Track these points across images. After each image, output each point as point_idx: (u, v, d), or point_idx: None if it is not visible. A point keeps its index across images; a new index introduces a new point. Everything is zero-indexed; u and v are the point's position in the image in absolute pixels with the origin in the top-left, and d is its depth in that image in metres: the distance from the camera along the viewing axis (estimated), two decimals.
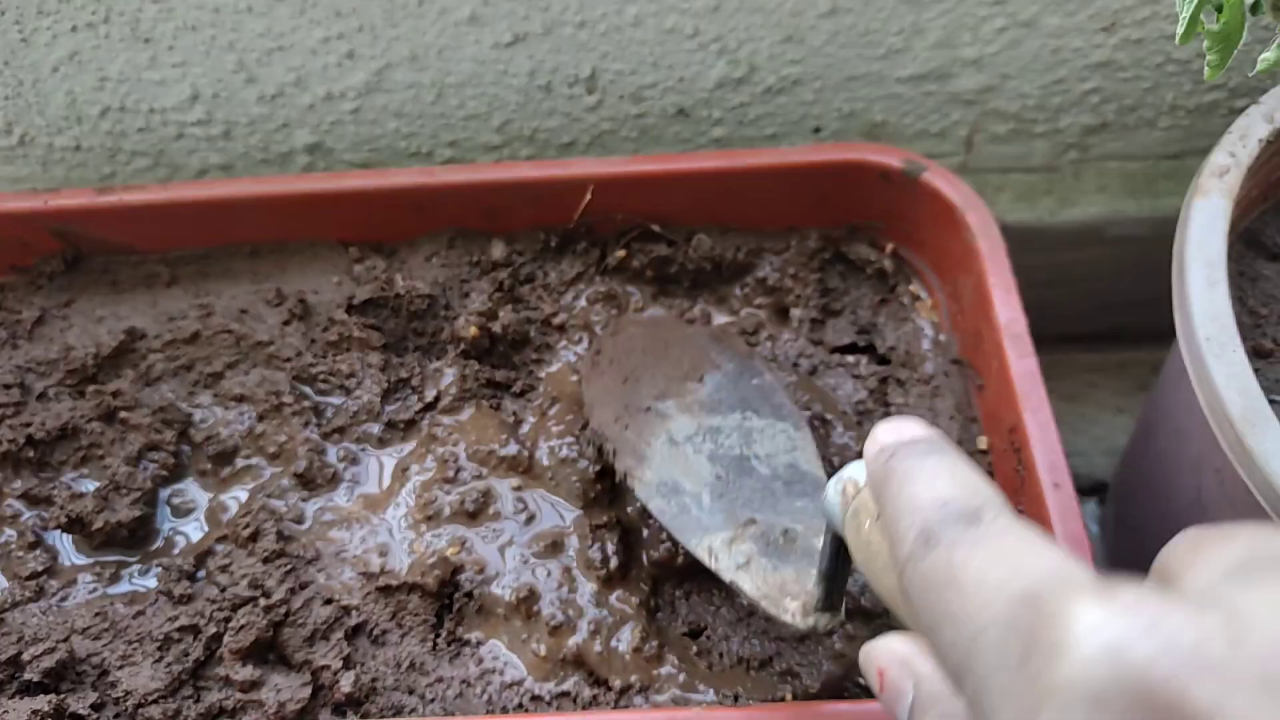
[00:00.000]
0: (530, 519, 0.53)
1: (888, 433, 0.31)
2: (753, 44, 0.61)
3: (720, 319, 0.61)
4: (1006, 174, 0.70)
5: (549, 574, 0.51)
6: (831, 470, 0.45)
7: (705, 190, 0.59)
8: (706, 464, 0.50)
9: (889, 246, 0.61)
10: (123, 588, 0.54)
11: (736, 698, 0.47)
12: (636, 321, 0.59)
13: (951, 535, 0.26)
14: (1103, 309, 0.78)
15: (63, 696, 0.47)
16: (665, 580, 0.51)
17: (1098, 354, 0.84)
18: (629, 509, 0.52)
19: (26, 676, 0.48)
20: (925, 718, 0.30)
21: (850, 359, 0.58)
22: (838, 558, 0.39)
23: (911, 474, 0.29)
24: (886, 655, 0.32)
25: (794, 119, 0.66)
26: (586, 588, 0.50)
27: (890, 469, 0.30)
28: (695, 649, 0.49)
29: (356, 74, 0.63)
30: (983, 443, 0.53)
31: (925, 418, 0.55)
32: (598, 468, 0.52)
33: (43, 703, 0.46)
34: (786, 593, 0.43)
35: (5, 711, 0.45)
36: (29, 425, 0.57)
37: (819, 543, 0.43)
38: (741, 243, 0.61)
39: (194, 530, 0.56)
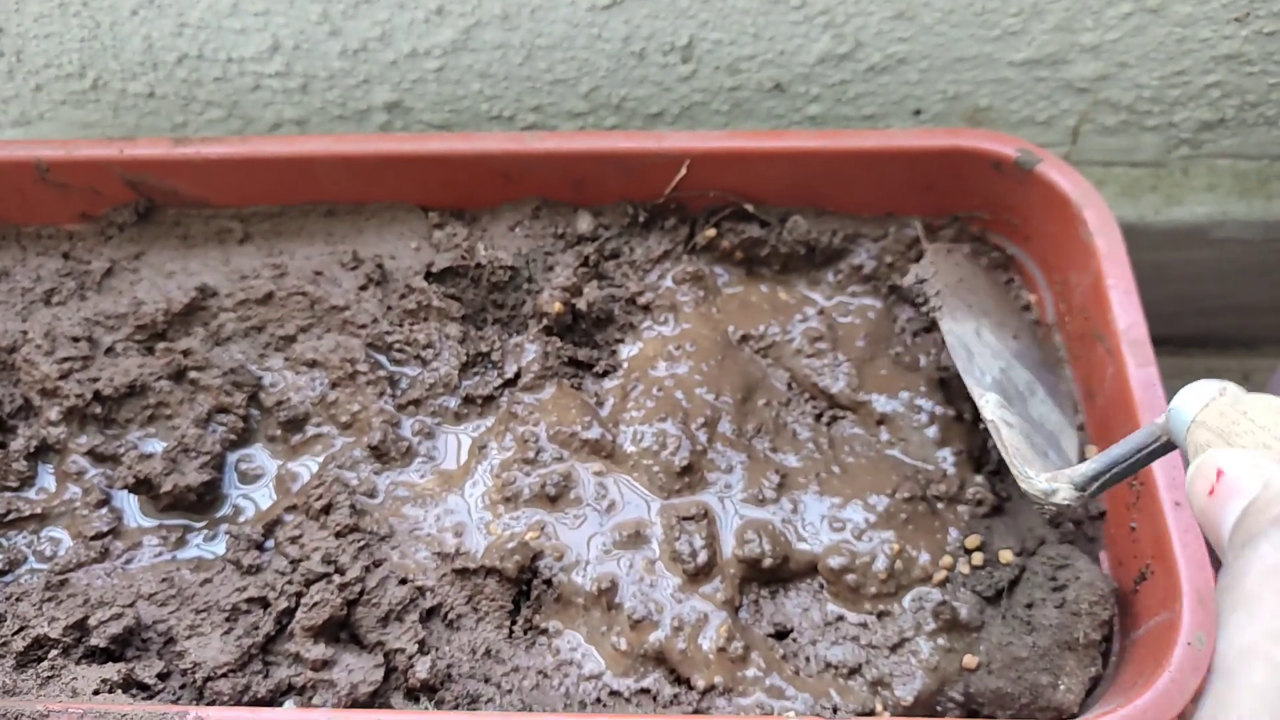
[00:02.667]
0: (611, 506, 0.51)
1: None
2: (861, 19, 0.58)
3: (814, 305, 0.58)
4: (1110, 167, 0.67)
5: (631, 565, 0.49)
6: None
7: (805, 170, 0.57)
8: (995, 367, 0.50)
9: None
10: (189, 553, 0.52)
11: (835, 710, 0.45)
12: (971, 258, 0.58)
13: None
14: (1196, 313, 0.75)
15: (131, 666, 0.45)
16: (752, 579, 0.49)
17: (1183, 359, 0.81)
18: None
19: (93, 642, 0.47)
20: (1270, 510, 0.28)
21: None
22: (1138, 455, 0.37)
23: None
24: (1233, 458, 0.30)
25: (894, 99, 0.63)
26: (670, 581, 0.48)
27: None
28: (781, 652, 0.47)
29: (444, 31, 0.60)
30: (1091, 452, 0.51)
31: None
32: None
33: (112, 671, 0.44)
34: (1030, 464, 0.43)
35: (74, 678, 0.44)
36: (96, 381, 0.55)
37: (1066, 470, 0.41)
38: (837, 227, 0.59)
39: (262, 498, 0.54)
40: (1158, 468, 0.45)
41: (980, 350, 0.51)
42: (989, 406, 0.47)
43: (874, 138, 0.56)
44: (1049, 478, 0.40)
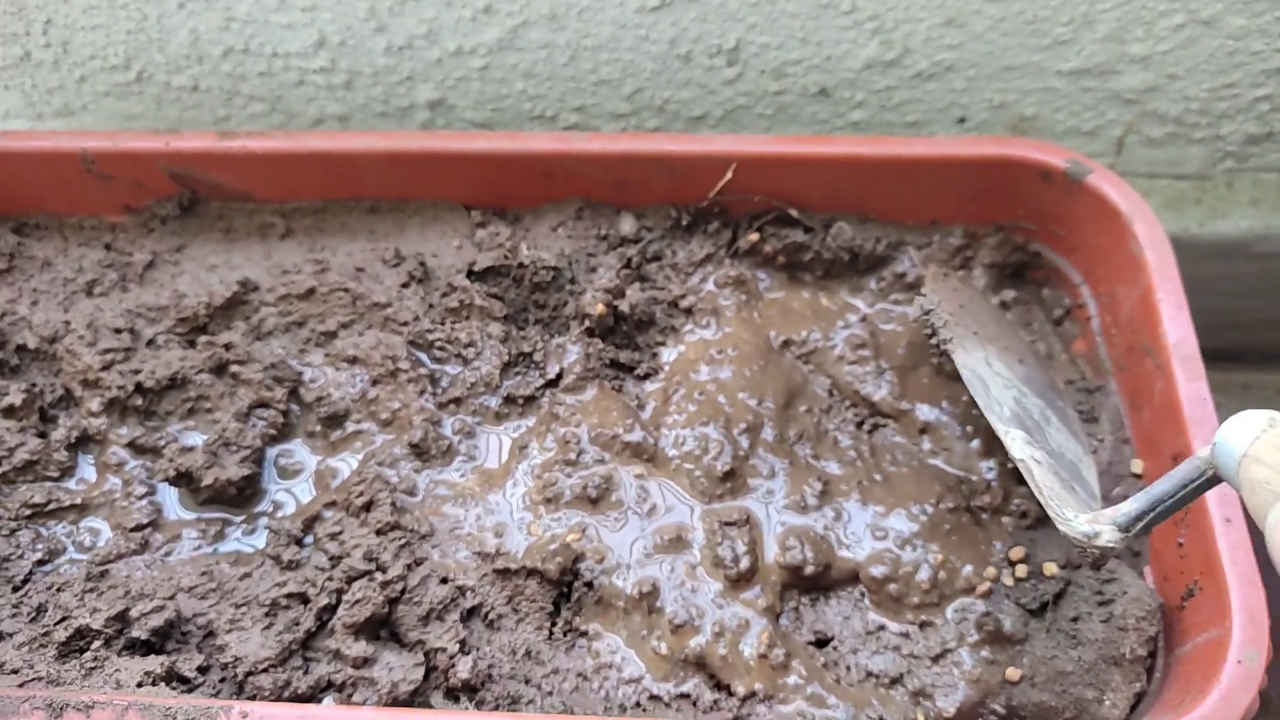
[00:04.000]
0: (653, 510, 0.51)
1: None
2: (910, 25, 0.58)
3: (856, 312, 0.58)
4: (1154, 179, 0.67)
5: (673, 569, 0.49)
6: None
7: (850, 177, 0.56)
8: (1009, 398, 0.49)
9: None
10: (227, 546, 0.52)
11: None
12: (968, 281, 0.57)
13: None
14: (1234, 326, 0.75)
15: (173, 659, 0.45)
16: (793, 586, 0.49)
17: (1218, 373, 0.80)
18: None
19: (134, 634, 0.47)
20: None
21: None
22: (1184, 490, 0.36)
23: None
24: None
25: (940, 106, 0.63)
26: (712, 587, 0.48)
27: None
28: (822, 660, 0.47)
29: (490, 30, 0.60)
30: (1137, 466, 0.50)
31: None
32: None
33: (154, 664, 0.44)
34: (1065, 504, 0.41)
35: (117, 670, 0.44)
36: (138, 372, 0.55)
37: (1107, 510, 0.40)
38: (881, 234, 0.58)
39: (302, 493, 0.54)
40: None
41: (994, 380, 0.50)
42: (1016, 445, 0.45)
43: (921, 145, 0.56)
44: (1089, 519, 0.39)
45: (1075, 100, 0.62)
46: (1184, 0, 0.56)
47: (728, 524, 0.49)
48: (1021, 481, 0.52)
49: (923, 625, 0.47)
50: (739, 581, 0.48)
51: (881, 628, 0.48)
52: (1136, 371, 0.51)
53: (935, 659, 0.47)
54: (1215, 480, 0.36)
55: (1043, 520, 0.51)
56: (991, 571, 0.48)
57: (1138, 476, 0.50)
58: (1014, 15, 0.57)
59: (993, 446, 0.53)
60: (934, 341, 0.50)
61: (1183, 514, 0.46)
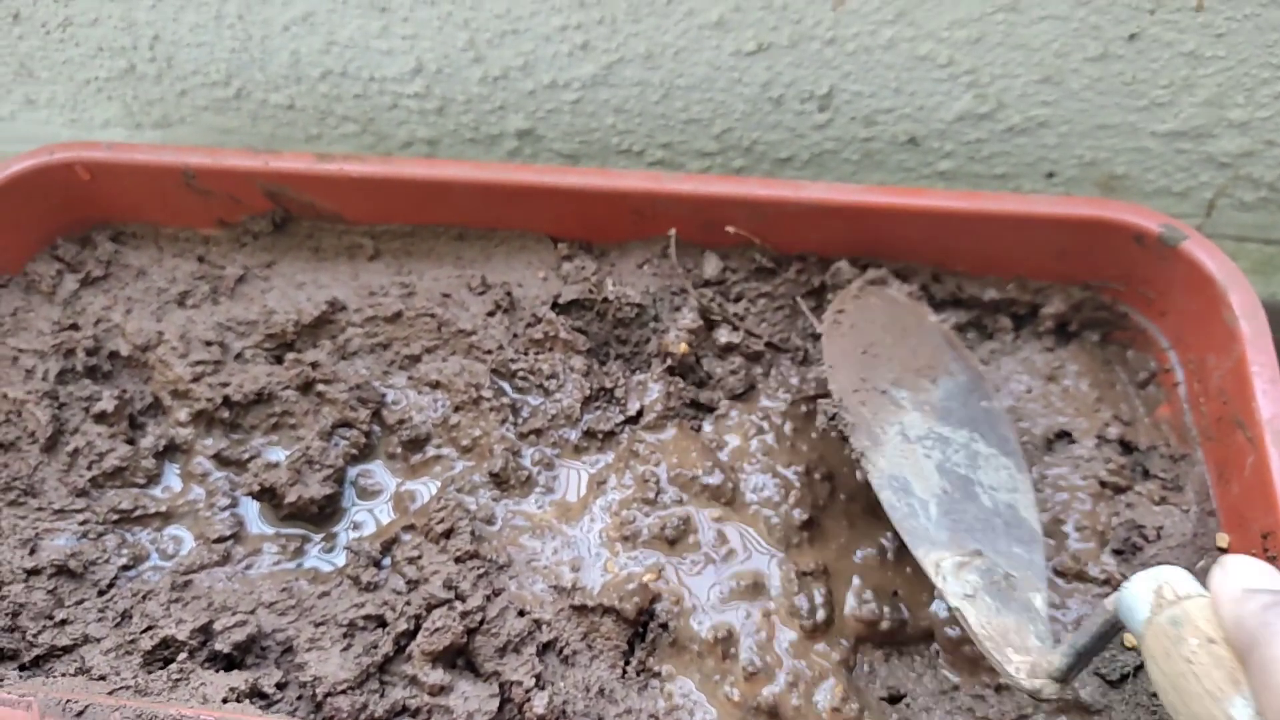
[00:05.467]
0: (730, 554, 0.51)
1: (1250, 573, 0.32)
2: (1006, 80, 0.58)
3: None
4: (1243, 243, 0.66)
5: (748, 616, 0.49)
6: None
7: (937, 229, 0.56)
8: (935, 473, 0.48)
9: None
10: (307, 563, 0.53)
11: None
12: (879, 294, 0.56)
13: None
14: None
15: (256, 676, 0.46)
16: (867, 640, 0.49)
17: None
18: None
19: (217, 646, 0.48)
20: None
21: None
22: (1101, 640, 0.38)
23: None
24: None
25: (1029, 161, 0.62)
26: (787, 636, 0.48)
27: (1269, 622, 0.30)
28: (895, 717, 0.47)
29: (585, 65, 0.61)
30: (1223, 540, 0.50)
31: (1161, 502, 0.51)
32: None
33: (239, 680, 0.45)
34: (1009, 643, 0.42)
35: (202, 684, 0.45)
36: (226, 386, 0.56)
37: (1036, 600, 0.44)
38: (962, 286, 0.58)
39: (381, 514, 0.55)
40: None
41: (912, 461, 0.48)
42: (949, 586, 0.44)
43: (1013, 202, 0.56)
44: (1029, 673, 0.41)
45: (1168, 161, 0.61)
46: None
47: (805, 574, 0.49)
48: (1104, 544, 0.51)
49: (999, 689, 0.47)
50: (814, 632, 0.48)
51: (955, 688, 0.48)
52: (1226, 443, 0.51)
53: (1007, 693, 0.46)
54: (1114, 629, 0.38)
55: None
56: None
57: (1223, 550, 0.50)
58: (1112, 75, 0.57)
59: (1067, 510, 0.52)
60: (854, 453, 0.48)
61: None
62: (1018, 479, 0.50)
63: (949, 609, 0.44)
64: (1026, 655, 0.41)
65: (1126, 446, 0.54)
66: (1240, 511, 0.49)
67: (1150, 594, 0.35)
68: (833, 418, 0.49)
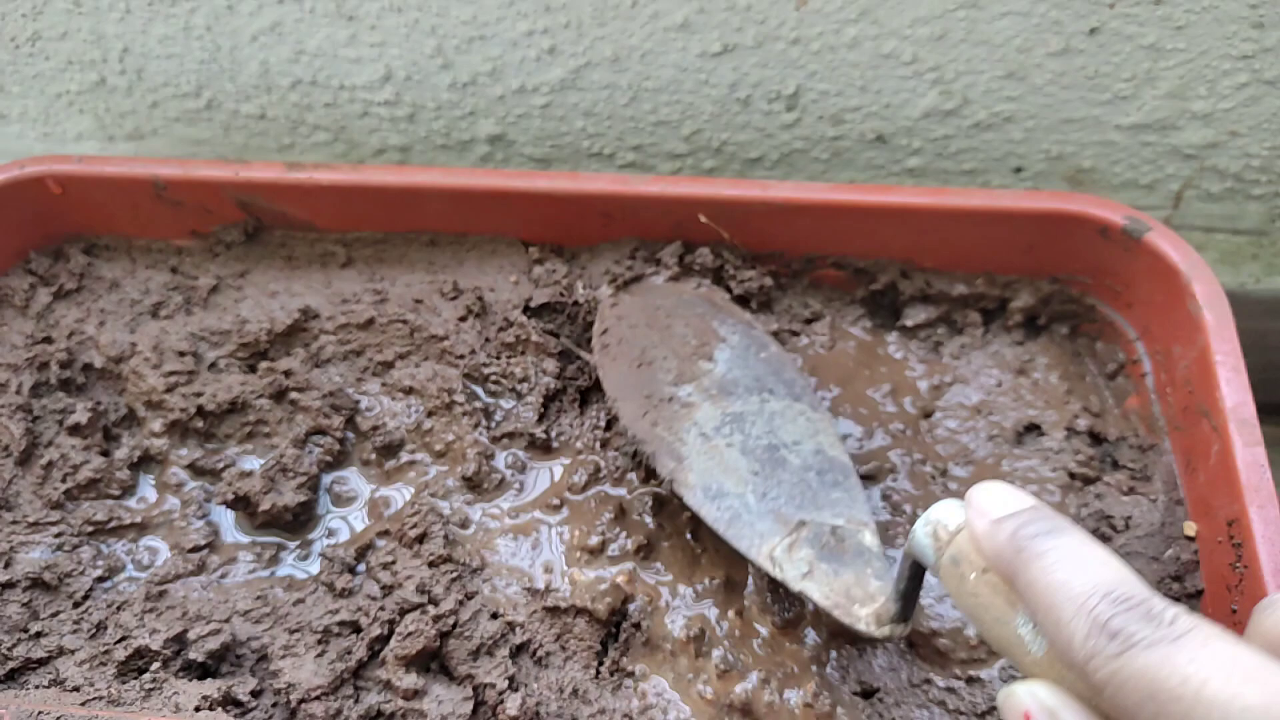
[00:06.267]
0: (703, 552, 0.51)
1: (993, 502, 0.34)
2: (971, 76, 0.58)
3: (901, 351, 0.58)
4: (1211, 234, 0.66)
5: (721, 613, 0.49)
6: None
7: (905, 226, 0.57)
8: (741, 459, 0.49)
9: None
10: (281, 571, 0.53)
11: None
12: (638, 292, 0.56)
13: (1144, 634, 0.28)
14: None
15: (229, 683, 0.46)
16: (840, 635, 0.49)
17: (1272, 427, 0.80)
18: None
19: (191, 656, 0.48)
20: None
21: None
22: (914, 580, 0.40)
23: (1051, 556, 0.31)
24: (1033, 702, 0.32)
25: (996, 156, 0.63)
26: (760, 633, 0.48)
27: (1021, 547, 0.32)
28: (868, 711, 0.47)
29: (554, 70, 0.61)
30: (1190, 529, 0.50)
31: (1130, 492, 0.52)
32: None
33: (211, 689, 0.45)
34: (853, 599, 0.44)
35: (175, 693, 0.45)
36: (200, 395, 0.57)
37: (865, 538, 0.45)
38: (931, 282, 0.59)
39: (355, 520, 0.55)
40: (1263, 549, 0.45)
41: (720, 458, 0.48)
42: (787, 573, 0.45)
43: (979, 197, 0.56)
44: (876, 623, 0.42)
45: (1134, 154, 0.62)
46: (1248, 60, 0.56)
47: None
48: None
49: (970, 680, 0.47)
50: (786, 628, 0.48)
51: (928, 680, 0.48)
52: (1192, 432, 0.51)
53: (982, 715, 0.47)
54: (919, 567, 0.39)
55: None
56: None
57: (1190, 539, 0.50)
58: (1075, 70, 0.57)
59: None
60: (663, 481, 0.49)
61: (1237, 579, 0.46)
62: (815, 419, 0.50)
63: (794, 592, 0.45)
64: (871, 603, 0.43)
65: (1095, 438, 0.55)
66: (1206, 499, 0.49)
67: (929, 539, 0.37)
68: (634, 455, 0.49)
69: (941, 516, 0.37)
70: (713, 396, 0.51)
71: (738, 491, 0.48)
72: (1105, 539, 0.51)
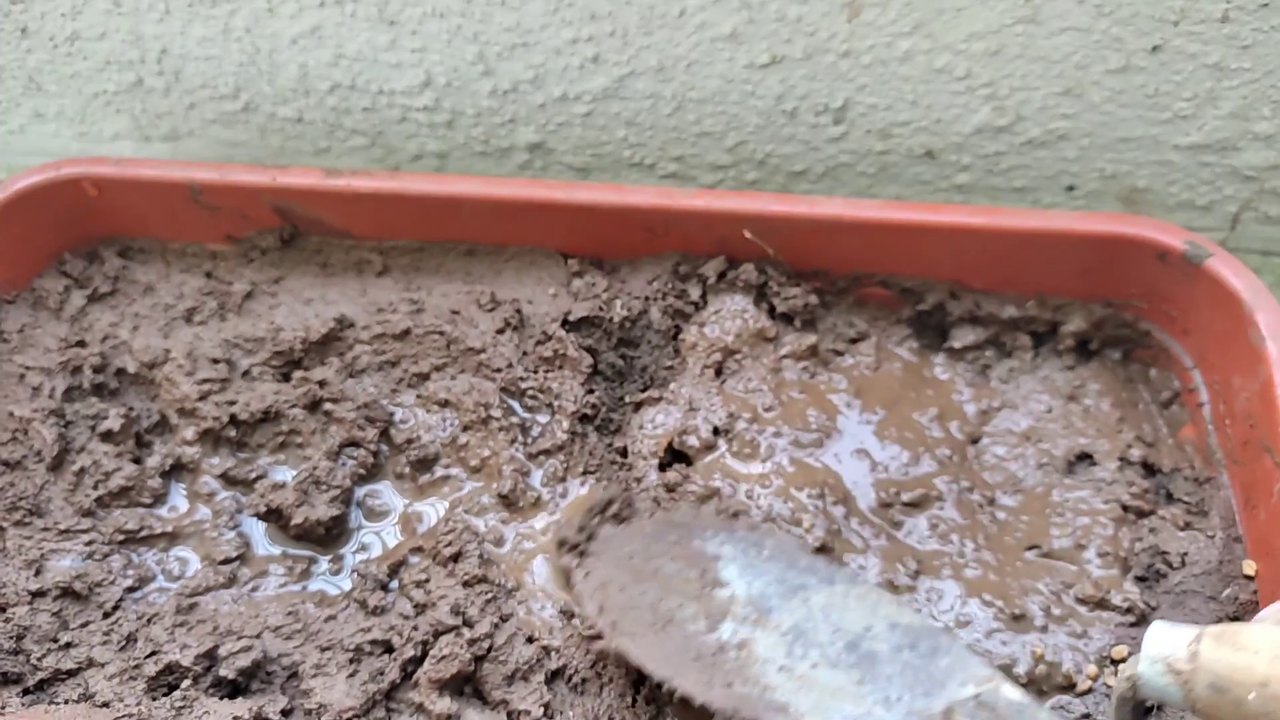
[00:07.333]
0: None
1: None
2: (1026, 93, 0.57)
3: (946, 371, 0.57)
4: (1269, 257, 0.64)
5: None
6: None
7: (955, 246, 0.55)
8: (837, 675, 0.42)
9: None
10: (313, 585, 0.53)
11: None
12: (592, 550, 0.49)
13: None
14: None
15: (261, 703, 0.45)
16: None
17: None
18: None
19: (222, 672, 0.47)
20: None
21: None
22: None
23: None
24: None
25: (1048, 174, 0.61)
26: None
27: None
28: None
29: (597, 78, 0.60)
30: (1249, 568, 0.48)
31: (1186, 527, 0.50)
32: None
33: (242, 709, 0.44)
34: None
35: (205, 712, 0.44)
36: (233, 404, 0.56)
37: (1008, 693, 0.39)
38: (980, 303, 0.57)
39: (388, 536, 0.54)
40: None
41: (816, 687, 0.42)
42: None
43: (1034, 218, 0.54)
44: None
45: (1191, 174, 0.60)
46: None
47: None
48: (1126, 573, 0.50)
49: None
50: None
51: None
52: (1253, 468, 0.50)
53: None
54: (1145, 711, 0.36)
55: (1145, 619, 0.49)
56: (1093, 670, 0.46)
57: (1249, 578, 0.48)
58: (1135, 88, 0.56)
59: (1089, 535, 0.51)
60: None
61: None
62: (863, 594, 0.44)
63: None
64: None
65: (1149, 469, 0.53)
66: (1268, 539, 0.48)
67: (1166, 676, 0.33)
68: (671, 694, 0.43)
69: (1164, 650, 0.33)
70: (756, 621, 0.45)
71: (861, 712, 0.41)
72: (1160, 576, 0.49)
